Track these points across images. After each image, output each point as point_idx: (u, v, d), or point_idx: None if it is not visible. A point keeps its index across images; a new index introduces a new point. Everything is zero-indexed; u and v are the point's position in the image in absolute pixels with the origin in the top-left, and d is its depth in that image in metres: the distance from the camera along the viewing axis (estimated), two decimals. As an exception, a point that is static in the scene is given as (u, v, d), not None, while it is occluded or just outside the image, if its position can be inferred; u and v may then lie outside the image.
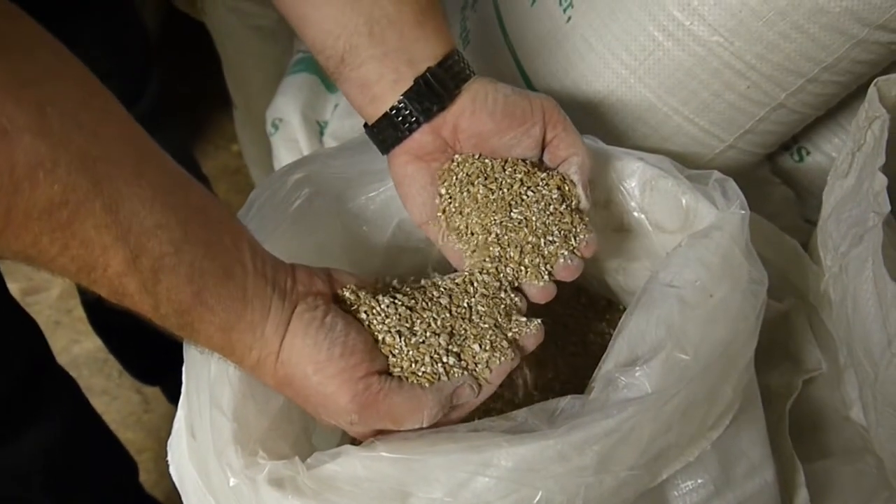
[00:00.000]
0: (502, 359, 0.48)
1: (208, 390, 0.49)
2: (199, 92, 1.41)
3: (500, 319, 0.50)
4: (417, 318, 0.49)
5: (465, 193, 0.54)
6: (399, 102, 0.52)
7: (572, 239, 0.52)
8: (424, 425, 0.46)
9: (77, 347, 1.32)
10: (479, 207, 0.53)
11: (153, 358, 1.10)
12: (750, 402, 0.55)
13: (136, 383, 1.26)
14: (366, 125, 0.54)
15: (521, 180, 0.53)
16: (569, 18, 0.65)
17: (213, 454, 0.46)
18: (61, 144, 0.35)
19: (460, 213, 0.54)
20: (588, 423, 0.43)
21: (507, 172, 0.54)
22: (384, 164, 0.59)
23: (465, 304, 0.50)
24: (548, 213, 0.52)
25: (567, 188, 0.54)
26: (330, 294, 0.47)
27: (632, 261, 0.60)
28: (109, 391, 1.29)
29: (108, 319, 1.12)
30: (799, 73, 0.61)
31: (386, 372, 0.46)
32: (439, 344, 0.48)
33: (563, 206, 0.53)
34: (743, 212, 0.52)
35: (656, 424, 0.45)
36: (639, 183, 0.57)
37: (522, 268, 0.52)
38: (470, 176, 0.54)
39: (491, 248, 0.52)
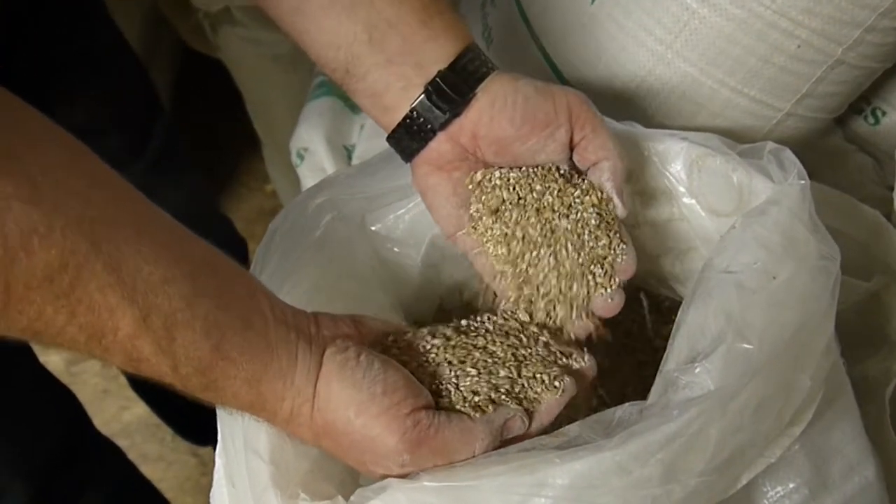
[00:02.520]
0: (553, 395, 0.49)
1: (243, 435, 0.50)
2: (226, 135, 1.46)
3: (546, 355, 0.51)
4: (463, 354, 0.50)
5: (492, 219, 0.55)
6: (411, 112, 0.52)
7: (609, 267, 0.53)
8: (475, 454, 0.46)
9: (127, 414, 1.37)
10: (507, 236, 0.54)
11: (202, 416, 1.12)
12: (837, 392, 0.53)
13: (191, 446, 1.29)
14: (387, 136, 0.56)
15: (552, 205, 0.54)
16: (593, 0, 0.66)
17: (251, 501, 0.47)
18: (54, 209, 0.36)
19: (490, 236, 0.55)
20: (647, 430, 0.43)
21: (536, 193, 0.54)
22: (409, 179, 0.61)
23: (510, 342, 0.52)
24: (581, 242, 0.53)
25: (603, 204, 0.54)
26: (358, 337, 0.48)
27: (688, 251, 0.60)
28: (165, 456, 1.33)
29: (151, 382, 1.15)
30: (854, 23, 0.60)
31: (432, 407, 0.46)
32: (488, 378, 0.49)
33: (601, 227, 0.53)
34: (802, 182, 0.52)
35: (724, 424, 0.44)
36: (685, 165, 0.57)
37: (554, 313, 0.53)
38: (497, 198, 0.54)
39: (523, 289, 0.54)
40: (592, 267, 0.53)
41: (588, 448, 0.43)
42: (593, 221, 0.53)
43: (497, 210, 0.54)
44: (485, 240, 0.55)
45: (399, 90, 0.53)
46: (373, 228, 0.62)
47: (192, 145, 1.37)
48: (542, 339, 0.52)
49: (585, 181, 0.54)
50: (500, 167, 0.55)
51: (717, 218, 0.56)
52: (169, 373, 0.41)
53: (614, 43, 0.66)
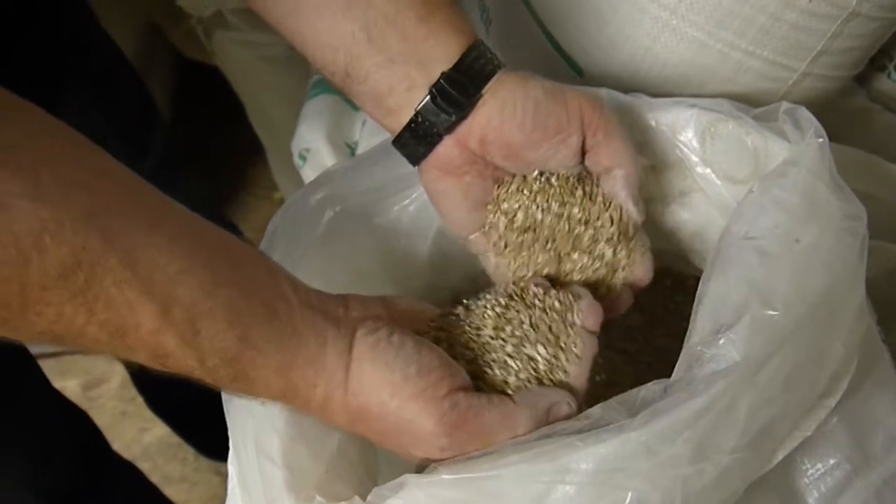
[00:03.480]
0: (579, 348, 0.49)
1: (254, 440, 0.50)
2: (229, 144, 1.46)
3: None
4: (497, 330, 0.50)
5: (509, 234, 0.55)
6: (416, 115, 0.52)
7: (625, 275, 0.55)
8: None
9: (147, 436, 1.37)
10: (526, 256, 0.55)
11: (223, 432, 1.13)
12: (874, 361, 0.52)
13: (214, 464, 1.29)
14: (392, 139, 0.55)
15: (571, 223, 0.54)
16: (591, -31, 0.65)
17: (265, 507, 0.47)
18: (62, 205, 0.36)
19: (508, 254, 0.56)
20: (672, 408, 0.42)
21: (554, 214, 0.54)
22: (411, 168, 0.60)
23: (540, 315, 0.51)
24: (600, 255, 0.54)
25: (621, 217, 0.54)
26: (389, 318, 0.47)
27: (707, 224, 0.59)
28: (188, 477, 1.33)
29: (167, 400, 1.16)
30: (867, -29, 0.59)
31: (469, 388, 0.46)
32: (527, 356, 0.48)
33: (620, 241, 0.54)
34: (820, 140, 0.50)
35: (754, 396, 0.43)
36: (696, 132, 0.56)
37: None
38: (514, 214, 0.55)
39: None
40: (609, 279, 0.55)
41: (611, 430, 0.42)
42: (613, 237, 0.54)
43: (515, 230, 0.55)
44: (503, 257, 0.56)
45: (402, 92, 0.52)
46: (377, 221, 0.61)
47: (195, 157, 1.38)
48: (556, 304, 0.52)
49: (607, 202, 0.55)
50: (516, 182, 0.55)
51: (734, 185, 0.56)
52: (196, 366, 0.41)
53: (616, 13, 0.65)
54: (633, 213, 0.53)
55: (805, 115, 0.52)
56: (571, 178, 0.55)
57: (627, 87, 0.64)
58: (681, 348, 0.66)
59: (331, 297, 0.46)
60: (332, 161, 0.89)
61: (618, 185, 0.53)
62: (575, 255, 0.55)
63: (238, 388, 0.43)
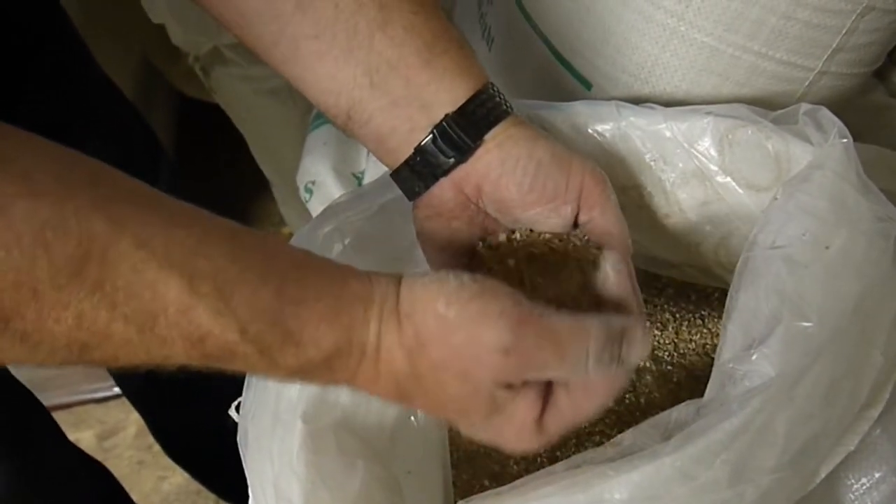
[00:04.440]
0: None
1: (273, 484, 0.49)
2: (233, 181, 1.47)
3: None
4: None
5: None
6: (416, 154, 0.51)
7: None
8: (590, 362, 0.41)
9: (166, 484, 1.36)
10: None
11: (241, 476, 1.12)
12: (917, 367, 0.51)
13: (235, 510, 1.29)
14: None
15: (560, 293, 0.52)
16: (593, -20, 0.65)
17: (287, 556, 0.46)
18: (62, 199, 0.35)
19: None
20: (707, 429, 0.41)
21: (541, 281, 0.52)
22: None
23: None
24: None
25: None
26: None
27: (730, 235, 0.58)
28: (210, 525, 1.32)
29: (185, 446, 1.15)
30: (879, -36, 0.58)
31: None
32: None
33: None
34: (844, 140, 0.50)
35: (792, 413, 0.42)
36: (713, 140, 0.55)
37: None
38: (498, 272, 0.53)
39: None
40: None
41: (644, 456, 0.41)
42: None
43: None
44: None
45: (405, 133, 0.51)
46: (388, 252, 0.61)
47: (199, 196, 1.38)
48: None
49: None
50: (508, 240, 0.54)
51: (756, 193, 0.55)
52: (238, 340, 0.38)
53: (621, 23, 0.64)
54: (622, 300, 0.48)
55: (827, 115, 0.52)
56: (564, 247, 0.53)
57: (638, 98, 0.64)
58: (709, 363, 0.65)
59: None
60: (339, 192, 0.88)
61: (608, 265, 0.49)
62: None
63: (290, 358, 0.40)
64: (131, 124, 0.91)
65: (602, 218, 0.51)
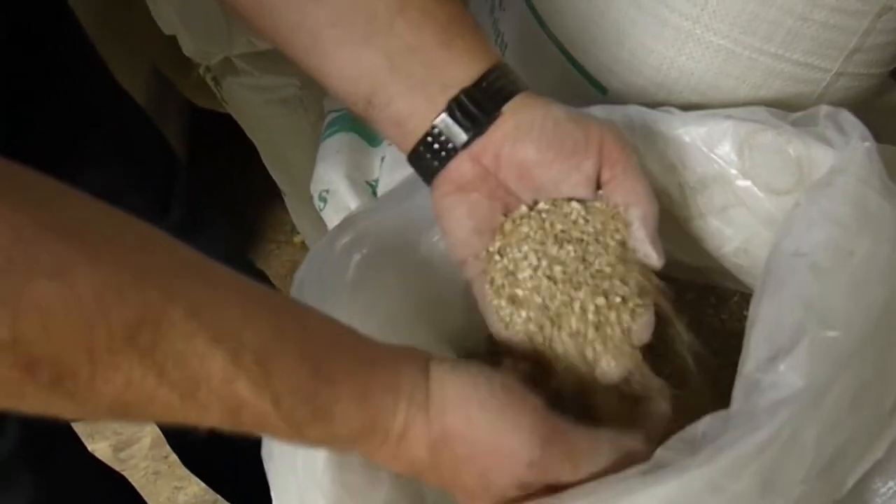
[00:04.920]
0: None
1: (299, 500, 0.49)
2: (245, 191, 1.47)
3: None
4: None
5: (511, 270, 0.53)
6: (432, 128, 0.51)
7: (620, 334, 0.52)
8: (598, 475, 0.44)
9: (182, 495, 1.37)
10: (519, 299, 0.53)
11: (257, 485, 1.12)
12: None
13: (253, 519, 1.28)
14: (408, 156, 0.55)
15: (575, 267, 0.52)
16: (606, -16, 0.64)
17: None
18: (118, 264, 0.36)
19: (502, 294, 0.54)
20: (736, 442, 0.41)
21: (563, 250, 0.52)
22: (437, 203, 0.59)
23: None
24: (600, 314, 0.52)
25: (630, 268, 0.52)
26: None
27: (751, 239, 0.57)
28: (227, 534, 1.32)
29: (202, 456, 1.15)
30: (896, -37, 0.57)
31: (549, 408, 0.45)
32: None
33: (624, 301, 0.52)
34: (867, 143, 0.49)
35: (821, 423, 0.41)
36: (733, 145, 0.55)
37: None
38: (518, 247, 0.53)
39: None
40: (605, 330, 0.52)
41: (673, 469, 0.41)
42: (620, 291, 0.52)
43: (513, 267, 0.54)
44: (496, 297, 0.54)
45: (423, 114, 0.51)
46: (406, 262, 0.60)
47: (213, 205, 1.38)
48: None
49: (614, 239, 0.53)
50: (524, 213, 0.54)
51: (777, 197, 0.54)
52: (272, 411, 0.39)
53: (636, 26, 0.64)
54: (651, 255, 0.51)
55: (848, 118, 0.51)
56: (581, 218, 0.53)
57: (654, 102, 0.63)
58: (730, 367, 0.65)
59: (393, 344, 0.45)
60: (354, 200, 0.88)
61: (634, 226, 0.52)
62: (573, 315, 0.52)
63: (317, 432, 0.41)
64: (145, 134, 0.91)
65: (625, 175, 0.51)
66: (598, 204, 0.53)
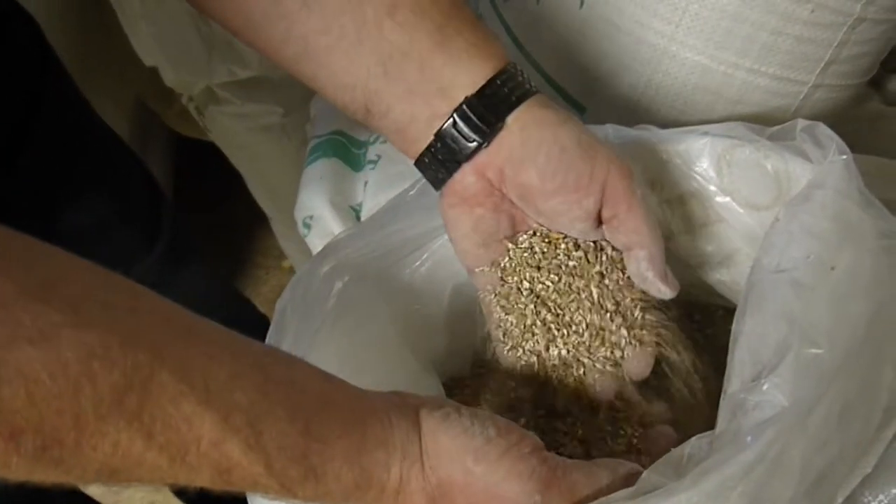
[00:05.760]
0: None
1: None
2: (233, 217, 1.46)
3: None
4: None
5: (514, 292, 0.54)
6: (436, 140, 0.50)
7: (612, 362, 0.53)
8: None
9: (179, 525, 1.34)
10: (521, 314, 0.54)
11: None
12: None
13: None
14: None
15: (576, 296, 0.53)
16: (581, 3, 0.64)
17: None
18: (105, 327, 0.35)
19: (508, 305, 0.55)
20: (721, 464, 0.40)
21: (561, 283, 0.53)
22: (422, 228, 0.59)
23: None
24: (598, 339, 0.53)
25: (629, 302, 0.53)
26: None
27: (733, 255, 0.57)
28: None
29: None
30: (868, -26, 0.57)
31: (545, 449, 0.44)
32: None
33: (621, 328, 0.53)
34: (844, 156, 0.48)
35: (807, 442, 0.41)
36: (711, 161, 0.54)
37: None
38: (520, 274, 0.54)
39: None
40: (597, 349, 0.53)
41: (659, 494, 0.40)
42: (611, 308, 0.53)
43: (518, 288, 0.54)
44: (499, 310, 0.55)
45: (425, 120, 0.50)
46: (389, 287, 0.59)
47: (200, 233, 1.37)
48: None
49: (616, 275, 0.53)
50: (530, 239, 0.54)
51: (757, 213, 0.53)
52: (263, 473, 0.38)
53: (613, 45, 0.63)
54: (664, 291, 0.51)
55: (824, 131, 0.50)
56: (584, 260, 0.53)
57: (632, 120, 0.63)
58: (718, 383, 0.64)
59: (382, 392, 0.44)
60: (338, 226, 0.87)
61: (642, 267, 0.51)
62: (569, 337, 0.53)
63: (310, 492, 0.40)
64: (130, 169, 0.90)
65: (628, 214, 0.50)
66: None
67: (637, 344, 0.53)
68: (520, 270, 0.54)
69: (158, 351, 0.36)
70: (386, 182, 0.87)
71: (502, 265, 0.54)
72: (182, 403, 0.36)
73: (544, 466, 0.42)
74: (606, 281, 0.53)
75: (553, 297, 0.53)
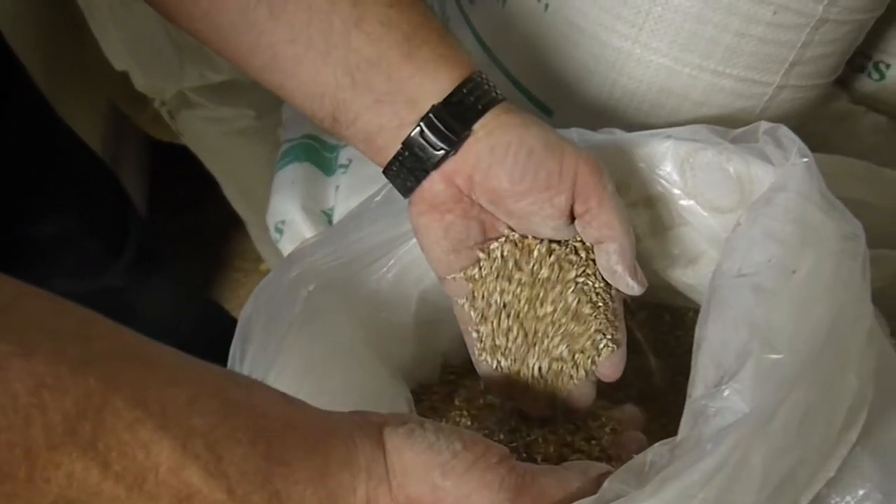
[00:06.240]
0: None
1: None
2: (210, 221, 1.45)
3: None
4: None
5: (486, 303, 0.53)
6: (404, 150, 0.50)
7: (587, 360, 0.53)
8: None
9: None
10: (493, 323, 0.54)
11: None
12: (891, 381, 0.49)
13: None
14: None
15: (546, 294, 0.53)
16: (546, 6, 0.63)
17: None
18: (55, 357, 0.34)
19: (482, 315, 0.54)
20: (681, 472, 0.39)
21: (534, 293, 0.53)
22: (388, 235, 0.58)
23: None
24: (569, 336, 0.53)
25: (599, 297, 0.53)
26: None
27: (699, 257, 0.56)
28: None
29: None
30: (829, -24, 0.57)
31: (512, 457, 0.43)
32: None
33: (592, 321, 0.52)
34: (805, 159, 0.48)
35: (768, 448, 0.40)
36: (674, 164, 0.53)
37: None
38: (492, 286, 0.53)
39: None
40: (574, 357, 0.53)
41: (621, 502, 0.40)
42: (587, 313, 0.52)
43: (493, 291, 0.53)
44: (473, 318, 0.54)
45: (393, 130, 0.50)
46: (355, 295, 0.59)
47: (176, 237, 1.36)
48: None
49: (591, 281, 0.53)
50: (502, 246, 0.53)
51: (721, 215, 0.53)
52: (226, 499, 0.37)
53: (578, 48, 0.63)
54: (632, 286, 0.50)
55: (786, 134, 0.50)
56: (555, 261, 0.53)
57: (599, 123, 0.63)
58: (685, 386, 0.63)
59: (343, 412, 0.43)
60: (310, 230, 0.86)
61: (612, 260, 0.50)
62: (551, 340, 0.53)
63: None
64: (98, 178, 0.89)
65: (600, 208, 0.49)
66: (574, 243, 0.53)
67: (614, 347, 0.53)
68: (490, 282, 0.53)
69: (112, 377, 0.34)
70: (358, 186, 0.87)
71: (474, 276, 0.53)
72: (138, 430, 0.35)
73: (513, 475, 0.41)
74: (581, 287, 0.52)
75: (525, 308, 0.53)
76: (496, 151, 0.49)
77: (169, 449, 0.35)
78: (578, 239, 0.53)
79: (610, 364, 0.53)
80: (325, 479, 0.39)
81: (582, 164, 0.49)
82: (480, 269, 0.53)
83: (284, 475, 0.38)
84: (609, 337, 0.52)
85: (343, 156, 0.89)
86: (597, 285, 0.52)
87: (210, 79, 1.04)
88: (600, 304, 0.52)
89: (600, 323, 0.52)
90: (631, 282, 0.50)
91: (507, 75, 0.68)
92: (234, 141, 1.09)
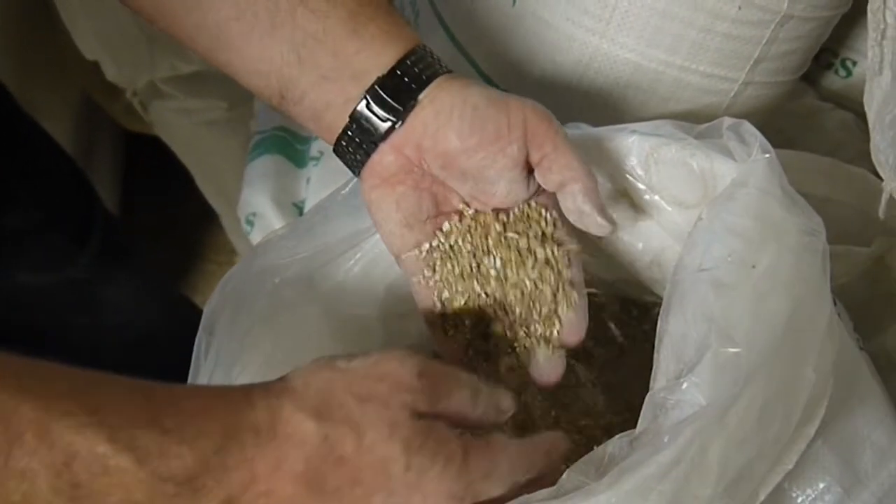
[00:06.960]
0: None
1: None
2: (184, 213, 1.43)
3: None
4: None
5: (443, 280, 0.53)
6: (351, 123, 0.50)
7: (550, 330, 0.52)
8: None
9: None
10: (453, 290, 0.53)
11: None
12: (853, 374, 0.50)
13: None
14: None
15: (504, 263, 0.52)
16: (514, 1, 0.63)
17: None
18: None
19: (435, 283, 0.54)
20: (639, 464, 0.39)
21: (493, 268, 0.52)
22: (354, 228, 0.58)
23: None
24: (528, 303, 0.52)
25: (557, 261, 0.52)
26: None
27: (663, 252, 0.56)
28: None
29: None
30: (793, -28, 0.57)
31: None
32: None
33: (552, 293, 0.52)
34: (767, 155, 0.48)
35: (725, 441, 0.40)
36: (639, 159, 0.53)
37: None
38: (448, 263, 0.53)
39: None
40: (533, 327, 0.52)
41: (578, 495, 0.40)
42: (547, 282, 0.52)
43: (452, 266, 0.53)
44: (430, 296, 0.54)
45: (339, 105, 0.50)
46: (321, 288, 0.59)
47: (152, 229, 1.35)
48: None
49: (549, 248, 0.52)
50: (458, 215, 0.53)
51: (685, 211, 0.53)
52: (110, 450, 0.34)
53: (544, 43, 0.63)
54: (602, 224, 0.49)
55: (749, 130, 0.50)
56: (520, 234, 0.52)
57: (567, 118, 0.62)
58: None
59: None
60: (281, 223, 0.86)
61: (578, 200, 0.49)
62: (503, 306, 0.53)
63: (175, 462, 0.35)
64: (62, 171, 0.88)
65: (556, 152, 0.49)
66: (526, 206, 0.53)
67: (578, 310, 0.52)
68: (446, 260, 0.52)
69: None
70: (329, 179, 0.86)
71: (429, 253, 0.53)
72: None
73: (425, 364, 0.42)
74: (539, 257, 0.52)
75: (483, 282, 0.52)
76: (441, 115, 0.49)
77: (31, 412, 0.33)
78: (530, 204, 0.52)
79: (570, 329, 0.51)
80: (216, 403, 0.37)
81: (529, 113, 0.49)
82: (435, 247, 0.53)
83: (173, 413, 0.36)
84: (566, 303, 0.52)
85: (314, 148, 0.88)
86: (556, 253, 0.52)
87: (181, 69, 1.03)
88: (559, 269, 0.52)
89: (563, 290, 0.52)
90: (600, 220, 0.49)
91: (475, 68, 0.68)
92: (205, 132, 1.08)
